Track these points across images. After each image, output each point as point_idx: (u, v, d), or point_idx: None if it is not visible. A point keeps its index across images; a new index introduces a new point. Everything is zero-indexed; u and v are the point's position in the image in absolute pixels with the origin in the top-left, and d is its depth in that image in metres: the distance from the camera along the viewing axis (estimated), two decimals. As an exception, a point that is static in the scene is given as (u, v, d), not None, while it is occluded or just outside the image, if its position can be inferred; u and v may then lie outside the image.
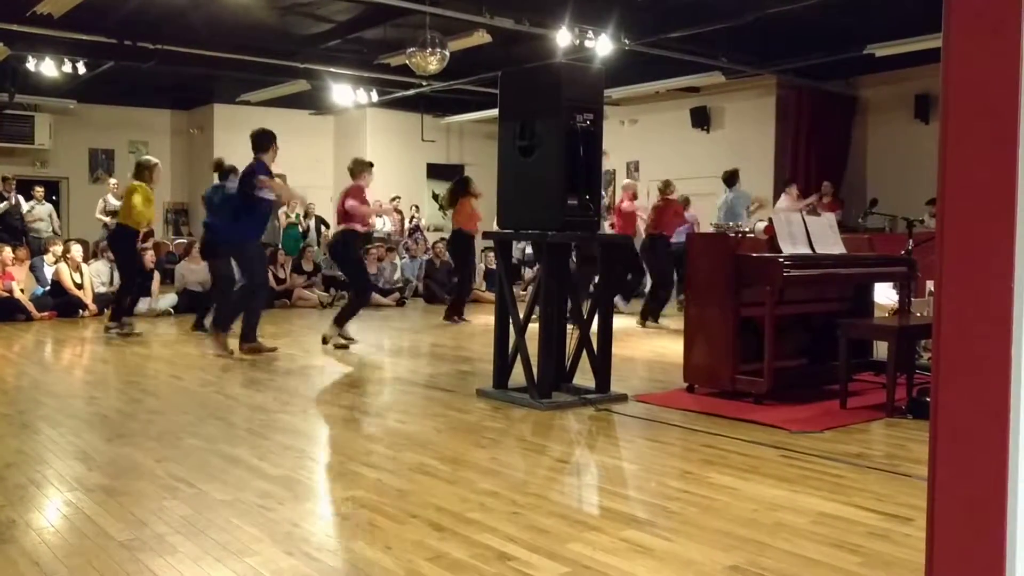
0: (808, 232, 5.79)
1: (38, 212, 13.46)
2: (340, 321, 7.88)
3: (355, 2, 10.56)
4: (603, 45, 10.35)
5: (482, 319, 10.46)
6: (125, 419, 4.90)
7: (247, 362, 7.13)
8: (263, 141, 7.37)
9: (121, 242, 8.70)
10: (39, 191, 13.80)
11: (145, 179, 8.54)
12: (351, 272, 8.31)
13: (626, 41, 10.66)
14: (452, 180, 11.10)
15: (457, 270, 10.82)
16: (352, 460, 4.30)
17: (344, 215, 7.99)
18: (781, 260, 5.33)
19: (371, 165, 8.27)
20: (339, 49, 12.59)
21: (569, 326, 5.71)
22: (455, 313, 10.23)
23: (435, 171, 17.72)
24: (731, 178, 10.64)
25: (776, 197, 12.78)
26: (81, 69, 12.51)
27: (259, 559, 2.78)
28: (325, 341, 7.84)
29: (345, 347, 7.77)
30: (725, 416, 5.01)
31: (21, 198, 13.28)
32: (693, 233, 9.57)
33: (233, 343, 7.36)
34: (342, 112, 16.77)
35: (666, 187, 10.22)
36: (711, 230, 9.31)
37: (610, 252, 5.91)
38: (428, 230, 16.05)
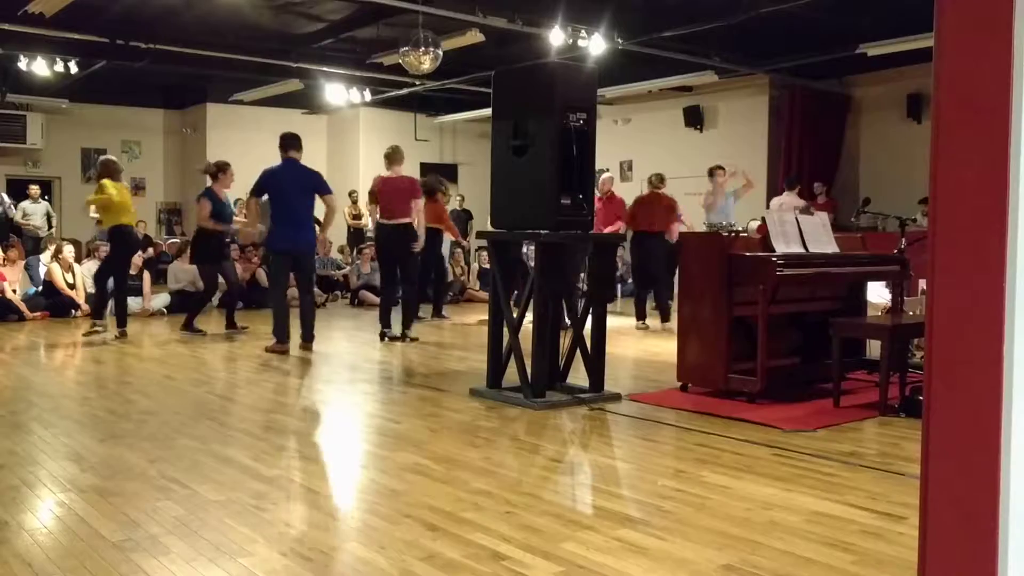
0: (801, 231, 5.80)
1: (33, 211, 13.42)
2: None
3: (348, 1, 10.55)
4: (596, 44, 10.35)
5: (476, 318, 10.48)
6: (118, 419, 4.88)
7: (241, 362, 7.12)
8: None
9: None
10: (35, 190, 13.75)
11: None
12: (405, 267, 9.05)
13: (619, 40, 10.67)
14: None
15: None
16: (346, 460, 4.30)
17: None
18: (774, 259, 5.34)
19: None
20: (332, 48, 12.57)
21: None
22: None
23: (429, 171, 17.68)
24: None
25: (768, 195, 12.80)
26: (73, 68, 12.46)
27: (253, 560, 2.77)
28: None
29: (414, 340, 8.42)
30: (718, 415, 5.02)
31: (6, 196, 13.25)
32: (686, 232, 9.56)
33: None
34: (335, 111, 16.74)
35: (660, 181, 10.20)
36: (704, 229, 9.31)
37: (602, 251, 5.91)
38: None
